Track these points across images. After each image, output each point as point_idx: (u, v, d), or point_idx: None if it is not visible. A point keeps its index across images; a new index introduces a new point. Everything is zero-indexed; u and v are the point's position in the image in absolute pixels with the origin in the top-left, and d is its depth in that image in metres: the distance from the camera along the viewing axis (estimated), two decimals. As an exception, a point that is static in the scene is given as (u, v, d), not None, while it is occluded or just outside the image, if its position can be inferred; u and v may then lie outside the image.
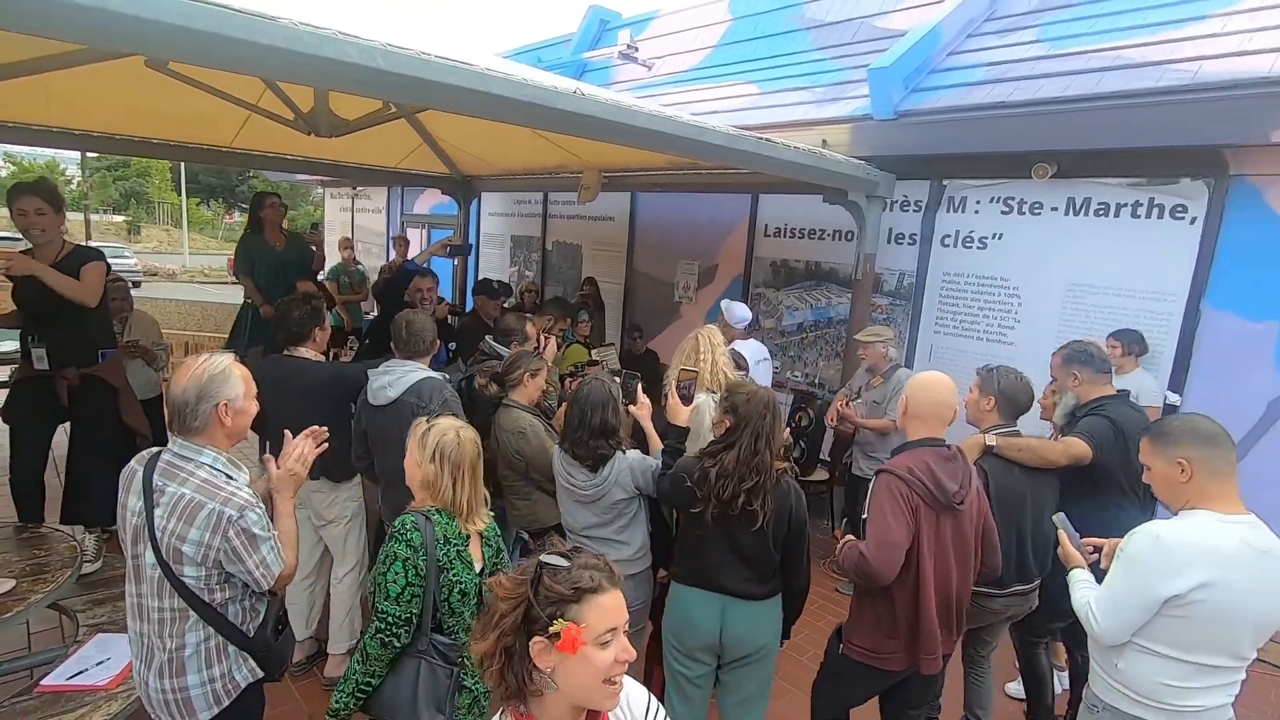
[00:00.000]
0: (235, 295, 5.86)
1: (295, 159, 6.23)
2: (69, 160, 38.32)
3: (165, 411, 3.60)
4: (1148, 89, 3.88)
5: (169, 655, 1.76)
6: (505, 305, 5.45)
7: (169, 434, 1.85)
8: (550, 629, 1.13)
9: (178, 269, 29.18)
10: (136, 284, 22.06)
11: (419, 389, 2.70)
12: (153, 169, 42.07)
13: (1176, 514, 1.94)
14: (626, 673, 2.47)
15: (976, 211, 4.98)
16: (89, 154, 20.59)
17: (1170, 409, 4.03)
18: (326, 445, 2.12)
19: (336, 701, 1.86)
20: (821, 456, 5.28)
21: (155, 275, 26.75)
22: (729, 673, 2.33)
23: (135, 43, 1.87)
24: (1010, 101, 4.38)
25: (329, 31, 2.13)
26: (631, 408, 2.63)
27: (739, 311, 4.51)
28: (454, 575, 1.89)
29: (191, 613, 1.75)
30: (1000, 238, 4.88)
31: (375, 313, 6.50)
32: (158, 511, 1.71)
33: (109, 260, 3.64)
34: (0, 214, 19.59)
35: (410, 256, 7.12)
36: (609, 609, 1.18)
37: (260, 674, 1.89)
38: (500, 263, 9.46)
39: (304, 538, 3.11)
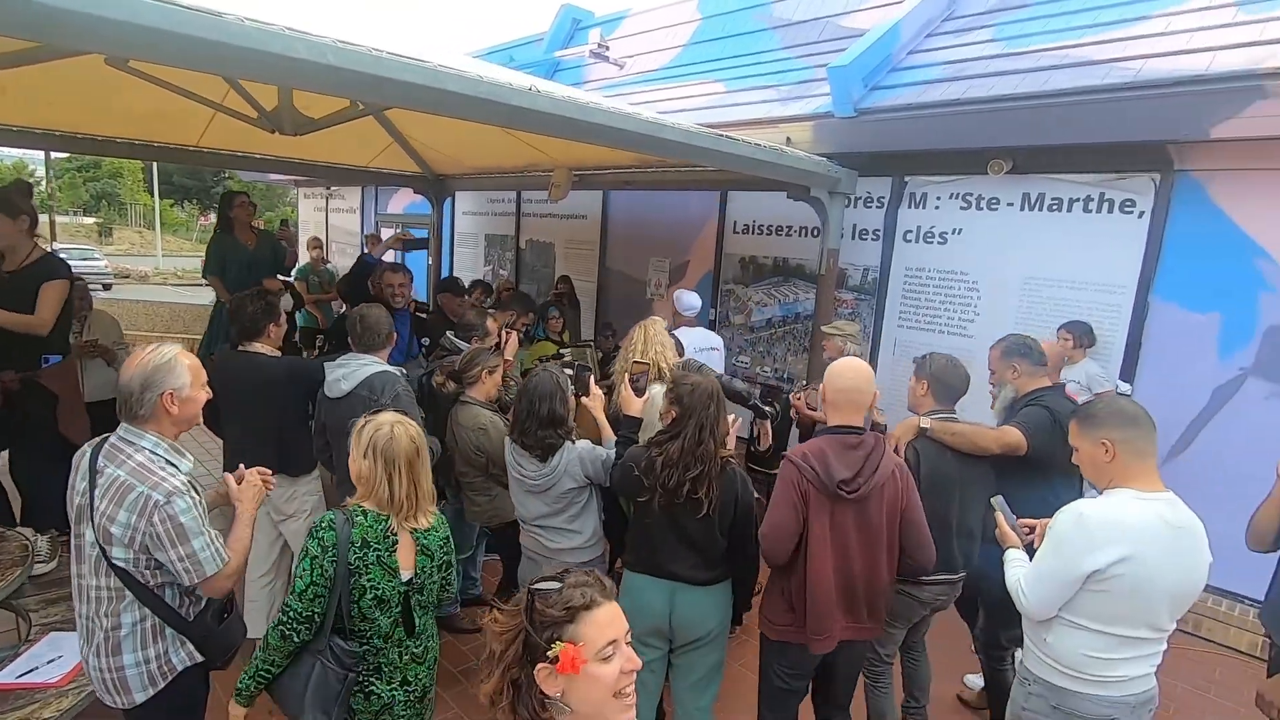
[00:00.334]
0: (207, 296, 5.83)
1: (265, 158, 6.20)
2: (38, 160, 37.55)
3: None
4: (1095, 86, 3.99)
5: (105, 634, 1.80)
6: (486, 304, 5.48)
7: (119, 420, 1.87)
8: (549, 653, 1.13)
9: (150, 271, 28.70)
10: (107, 286, 21.70)
11: (371, 382, 2.72)
12: (124, 170, 41.36)
13: (1102, 493, 2.02)
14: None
15: (937, 207, 5.08)
16: (55, 154, 20.19)
17: (1123, 398, 4.16)
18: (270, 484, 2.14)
19: (240, 682, 1.88)
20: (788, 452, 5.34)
21: (127, 278, 26.29)
22: (680, 656, 2.38)
23: (81, 38, 1.87)
24: (965, 99, 4.48)
25: (276, 28, 2.14)
26: (584, 399, 2.67)
27: (688, 299, 4.66)
28: (368, 580, 1.83)
29: (128, 593, 1.78)
30: (960, 233, 4.99)
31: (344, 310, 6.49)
32: (96, 492, 1.75)
33: (78, 262, 3.59)
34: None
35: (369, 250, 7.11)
36: (605, 623, 1.17)
37: (199, 658, 1.91)
38: (474, 262, 9.45)
39: (263, 534, 3.13)
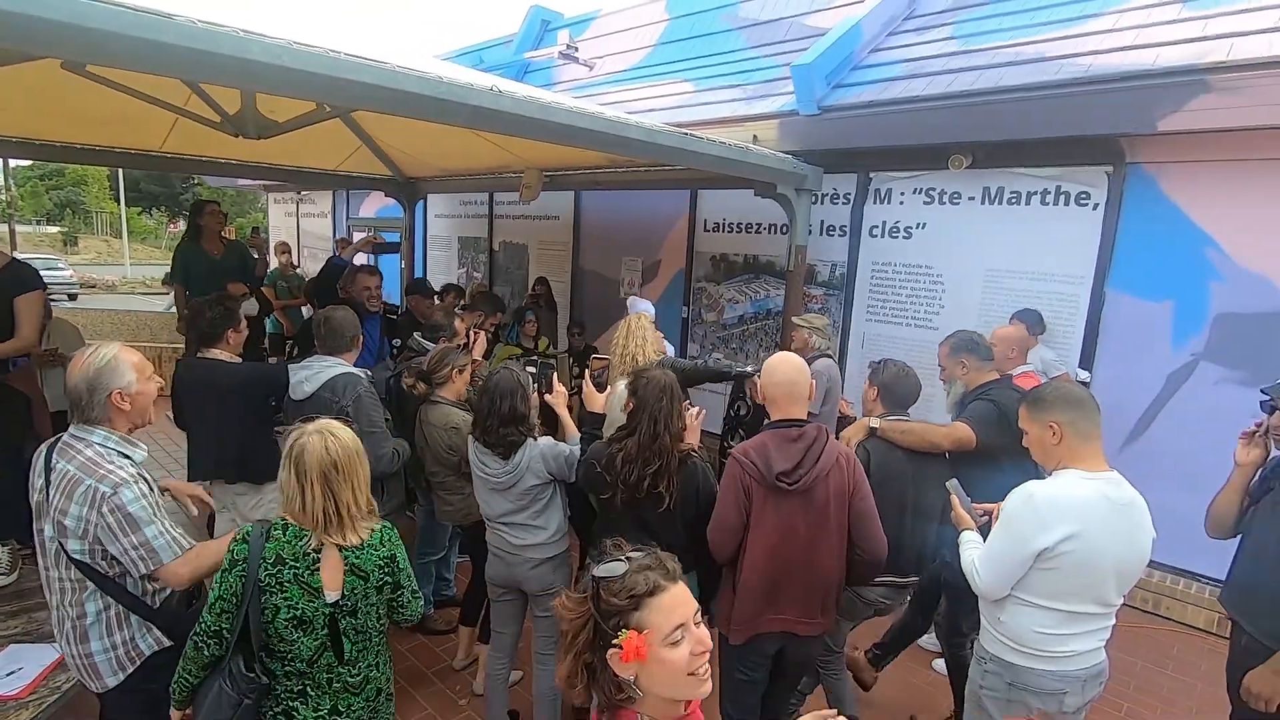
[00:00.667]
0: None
1: (231, 163, 6.12)
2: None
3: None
4: (1048, 82, 4.09)
5: (73, 623, 1.86)
6: (460, 306, 5.46)
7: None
8: (614, 641, 1.14)
9: (118, 280, 28.14)
10: (73, 297, 21.24)
11: (334, 384, 2.72)
12: (89, 177, 40.49)
13: (1051, 474, 2.08)
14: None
15: (901, 202, 5.17)
16: (14, 161, 19.74)
17: (1082, 385, 4.27)
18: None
19: (170, 686, 1.83)
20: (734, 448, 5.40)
21: (94, 287, 25.77)
22: (648, 648, 2.40)
23: (30, 41, 1.84)
24: (925, 96, 4.57)
25: (230, 29, 2.12)
26: (547, 396, 2.69)
27: (641, 305, 4.72)
28: (282, 599, 1.72)
29: (89, 583, 1.83)
30: (924, 227, 5.08)
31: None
32: (51, 488, 1.81)
33: (42, 273, 3.55)
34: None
35: (338, 253, 7.07)
36: (672, 607, 1.17)
37: (167, 643, 1.94)
38: (448, 264, 9.41)
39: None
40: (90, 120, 4.68)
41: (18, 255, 4.17)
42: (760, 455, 2.19)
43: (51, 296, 4.29)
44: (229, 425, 2.83)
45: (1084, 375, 4.36)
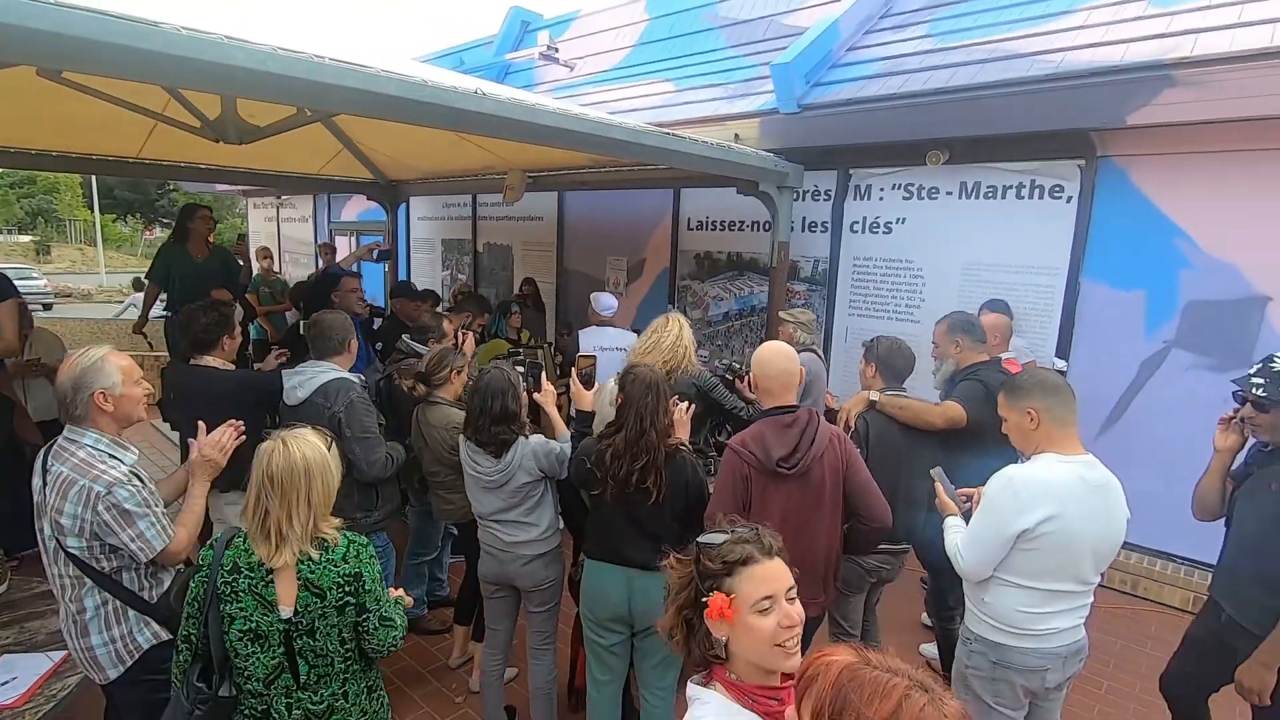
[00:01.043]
0: (155, 310, 5.71)
1: (210, 168, 6.08)
2: (-32, 178, 35.91)
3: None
4: (1021, 78, 4.19)
5: (74, 618, 1.95)
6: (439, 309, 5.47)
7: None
8: (703, 599, 1.25)
9: (93, 289, 27.66)
10: (47, 306, 20.87)
11: (326, 390, 2.73)
12: (61, 184, 39.74)
13: (1029, 458, 2.15)
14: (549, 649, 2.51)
15: (881, 198, 5.26)
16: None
17: (1059, 375, 4.37)
18: (244, 439, 2.21)
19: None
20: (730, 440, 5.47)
21: (69, 297, 25.30)
22: (642, 640, 2.44)
23: (9, 51, 1.83)
24: (902, 93, 4.65)
25: (215, 36, 2.14)
26: (535, 394, 2.73)
27: (605, 300, 4.86)
28: (237, 609, 1.67)
29: (86, 579, 1.91)
30: (903, 222, 5.17)
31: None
32: (48, 489, 1.88)
33: (16, 281, 3.54)
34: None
35: (337, 261, 7.04)
36: (763, 578, 1.26)
37: (166, 637, 2.00)
38: (432, 267, 9.39)
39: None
40: (65, 127, 4.62)
41: None
42: (758, 443, 2.24)
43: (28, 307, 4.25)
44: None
45: (1060, 364, 4.46)
